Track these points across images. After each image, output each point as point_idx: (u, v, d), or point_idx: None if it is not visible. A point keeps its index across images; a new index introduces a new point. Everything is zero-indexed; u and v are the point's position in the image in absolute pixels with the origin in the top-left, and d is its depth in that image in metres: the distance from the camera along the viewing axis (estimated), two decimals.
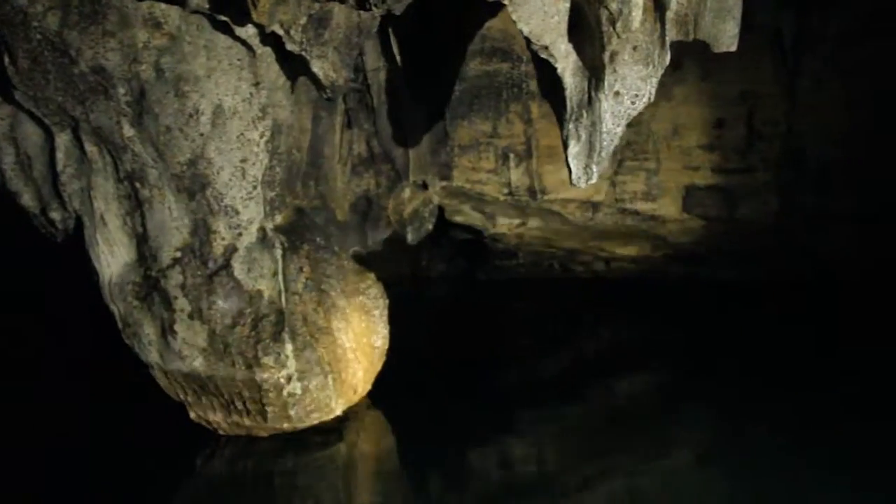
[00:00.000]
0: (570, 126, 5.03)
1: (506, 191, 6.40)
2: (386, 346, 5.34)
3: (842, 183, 6.60)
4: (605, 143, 4.95)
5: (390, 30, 5.38)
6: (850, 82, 6.41)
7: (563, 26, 4.58)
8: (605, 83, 4.87)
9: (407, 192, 6.29)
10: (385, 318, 5.32)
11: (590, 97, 4.96)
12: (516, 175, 6.33)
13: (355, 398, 5.14)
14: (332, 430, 4.97)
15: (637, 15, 4.73)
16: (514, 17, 4.07)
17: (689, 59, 6.41)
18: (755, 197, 6.55)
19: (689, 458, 4.72)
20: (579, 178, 4.90)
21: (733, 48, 4.83)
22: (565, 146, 4.97)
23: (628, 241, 7.02)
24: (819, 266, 7.07)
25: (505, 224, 6.97)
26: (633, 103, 5.04)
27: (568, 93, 4.99)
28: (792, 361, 6.08)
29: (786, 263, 7.24)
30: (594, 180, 4.96)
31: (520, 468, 4.80)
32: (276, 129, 4.76)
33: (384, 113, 5.92)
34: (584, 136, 5.24)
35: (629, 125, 6.45)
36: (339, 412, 4.95)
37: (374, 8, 3.84)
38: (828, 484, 4.18)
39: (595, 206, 6.59)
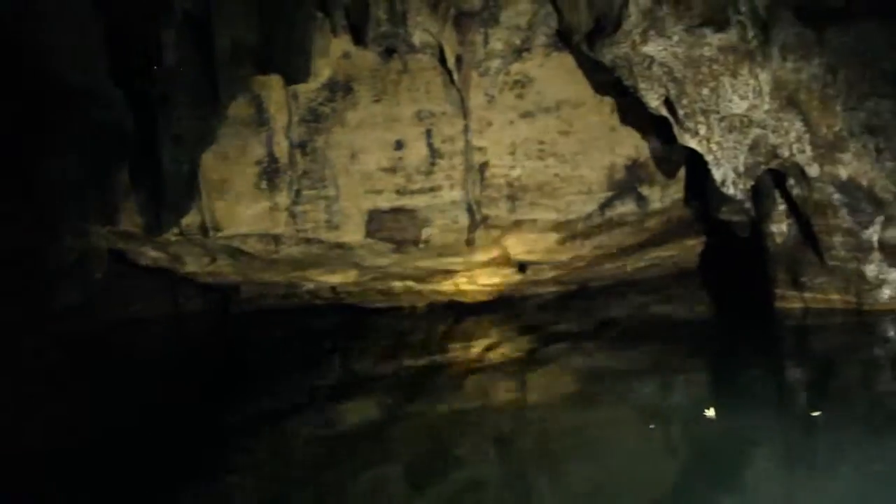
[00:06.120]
0: (134, 176, 4.85)
1: (176, 230, 6.14)
2: None
3: (531, 194, 6.59)
4: (170, 187, 4.80)
5: None
6: (520, 94, 6.39)
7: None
8: (162, 126, 4.70)
9: (68, 241, 5.97)
10: None
11: (151, 141, 4.78)
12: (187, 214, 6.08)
13: None
14: None
15: (170, 56, 4.57)
16: None
17: (359, 84, 6.29)
18: (444, 215, 6.47)
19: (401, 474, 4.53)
20: (152, 228, 4.70)
21: (307, 80, 4.76)
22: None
23: (329, 268, 6.88)
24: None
25: (195, 263, 6.71)
26: (195, 147, 4.89)
27: (128, 139, 4.82)
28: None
29: None
30: (170, 230, 4.76)
31: None
32: None
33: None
34: (148, 184, 5.06)
35: (304, 154, 6.37)
36: None
37: None
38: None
39: (277, 239, 6.41)
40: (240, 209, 6.26)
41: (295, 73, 4.89)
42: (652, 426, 4.50)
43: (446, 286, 7.50)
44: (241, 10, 4.90)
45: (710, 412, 4.41)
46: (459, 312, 7.70)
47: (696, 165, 6.46)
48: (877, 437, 3.97)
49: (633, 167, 6.89)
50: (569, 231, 7.06)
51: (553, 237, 7.02)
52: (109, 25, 4.60)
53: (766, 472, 3.86)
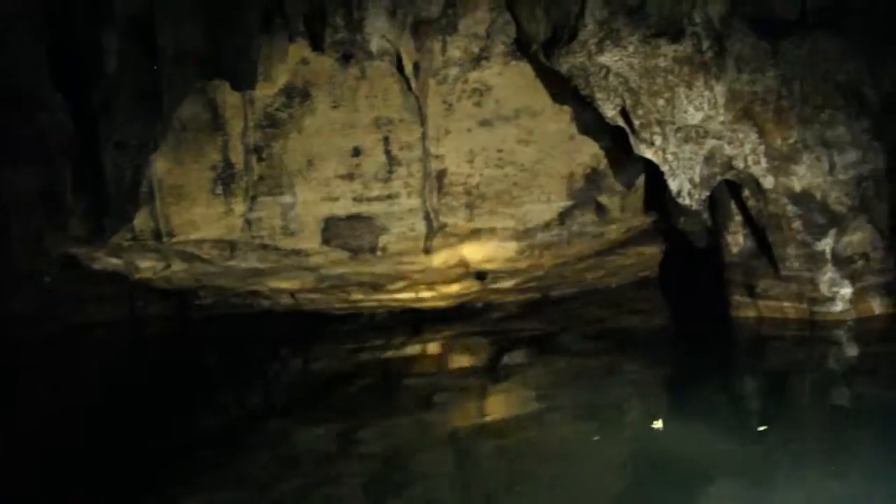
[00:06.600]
0: (78, 181, 4.78)
1: (129, 236, 6.05)
2: None
3: (490, 202, 6.58)
4: (113, 192, 4.72)
5: None
6: (478, 102, 6.38)
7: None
8: (103, 132, 4.62)
9: (17, 247, 5.87)
10: None
11: (92, 149, 4.71)
12: (140, 219, 6.00)
13: None
14: None
15: (112, 60, 4.51)
16: None
17: (316, 90, 6.24)
18: (401, 223, 6.44)
19: (358, 490, 4.42)
20: (96, 235, 4.64)
21: (254, 87, 4.74)
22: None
23: (286, 275, 6.81)
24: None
25: (149, 268, 6.62)
26: (138, 153, 4.82)
27: (72, 143, 4.75)
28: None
29: None
30: (115, 236, 4.67)
31: None
32: None
33: None
34: (92, 190, 4.98)
35: (261, 159, 6.30)
36: None
37: None
38: None
39: (232, 245, 6.34)
40: (194, 215, 6.20)
41: (242, 80, 4.83)
42: (597, 437, 4.49)
43: (405, 294, 7.46)
44: (187, 15, 4.84)
45: (658, 424, 4.41)
46: (418, 320, 7.66)
47: (656, 175, 6.47)
48: (822, 454, 3.99)
49: (593, 176, 6.88)
50: (528, 240, 7.05)
51: (512, 246, 7.00)
52: (51, 29, 4.54)
53: (706, 488, 3.85)
